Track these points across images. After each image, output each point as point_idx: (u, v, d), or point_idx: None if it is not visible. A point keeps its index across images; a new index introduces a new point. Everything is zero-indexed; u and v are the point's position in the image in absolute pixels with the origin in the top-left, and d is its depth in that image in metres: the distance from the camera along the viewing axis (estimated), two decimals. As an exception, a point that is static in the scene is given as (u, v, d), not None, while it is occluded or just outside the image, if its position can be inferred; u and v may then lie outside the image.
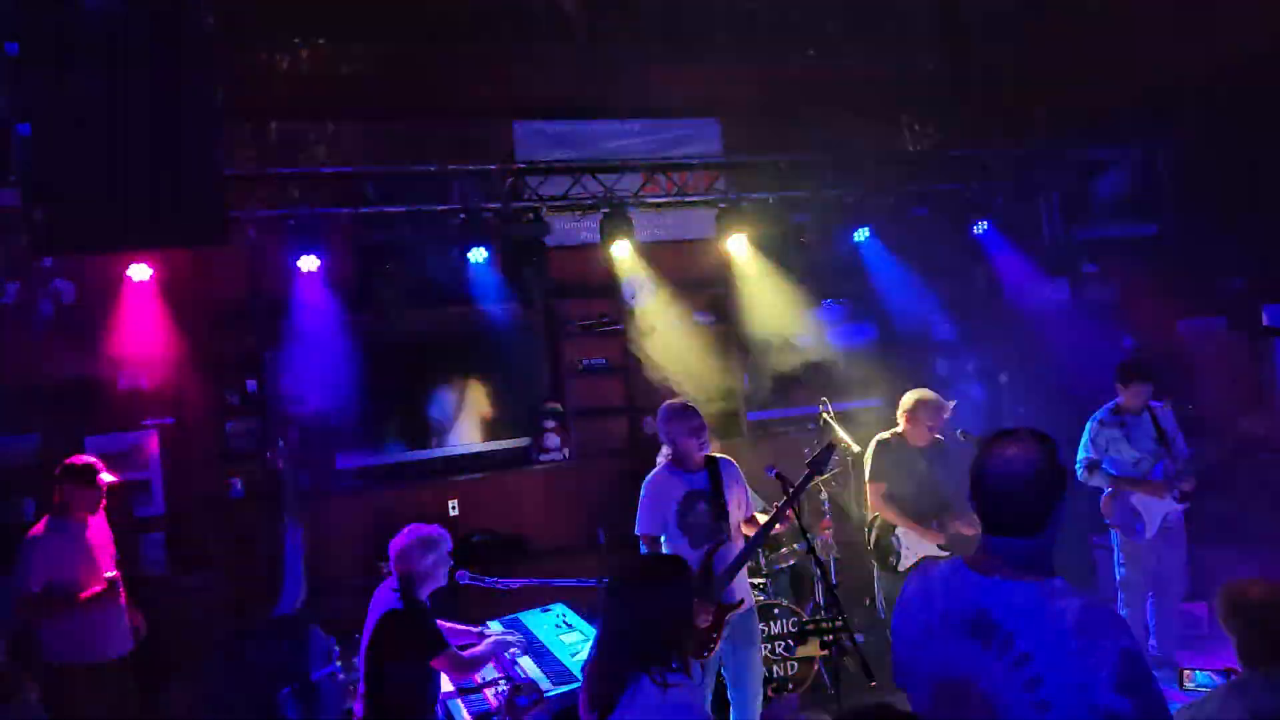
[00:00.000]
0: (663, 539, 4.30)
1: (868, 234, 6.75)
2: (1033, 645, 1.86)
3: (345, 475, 6.40)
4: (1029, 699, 1.84)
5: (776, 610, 5.46)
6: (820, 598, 5.81)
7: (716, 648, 4.15)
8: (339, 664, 1.83)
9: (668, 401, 4.43)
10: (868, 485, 5.05)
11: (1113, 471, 5.39)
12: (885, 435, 5.14)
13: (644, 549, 4.28)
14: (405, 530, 3.74)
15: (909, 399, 5.04)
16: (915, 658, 2.09)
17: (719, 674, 4.32)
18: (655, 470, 4.41)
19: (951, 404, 5.09)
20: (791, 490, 4.12)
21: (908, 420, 5.01)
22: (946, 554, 4.92)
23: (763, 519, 4.29)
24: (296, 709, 1.72)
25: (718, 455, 4.39)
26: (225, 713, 1.72)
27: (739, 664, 4.29)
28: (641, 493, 4.34)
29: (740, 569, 4.23)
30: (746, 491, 4.44)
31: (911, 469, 4.97)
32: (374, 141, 6.17)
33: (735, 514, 4.30)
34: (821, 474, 4.57)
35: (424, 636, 3.56)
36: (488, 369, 6.81)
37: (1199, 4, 5.68)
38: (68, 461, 4.47)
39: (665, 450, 4.44)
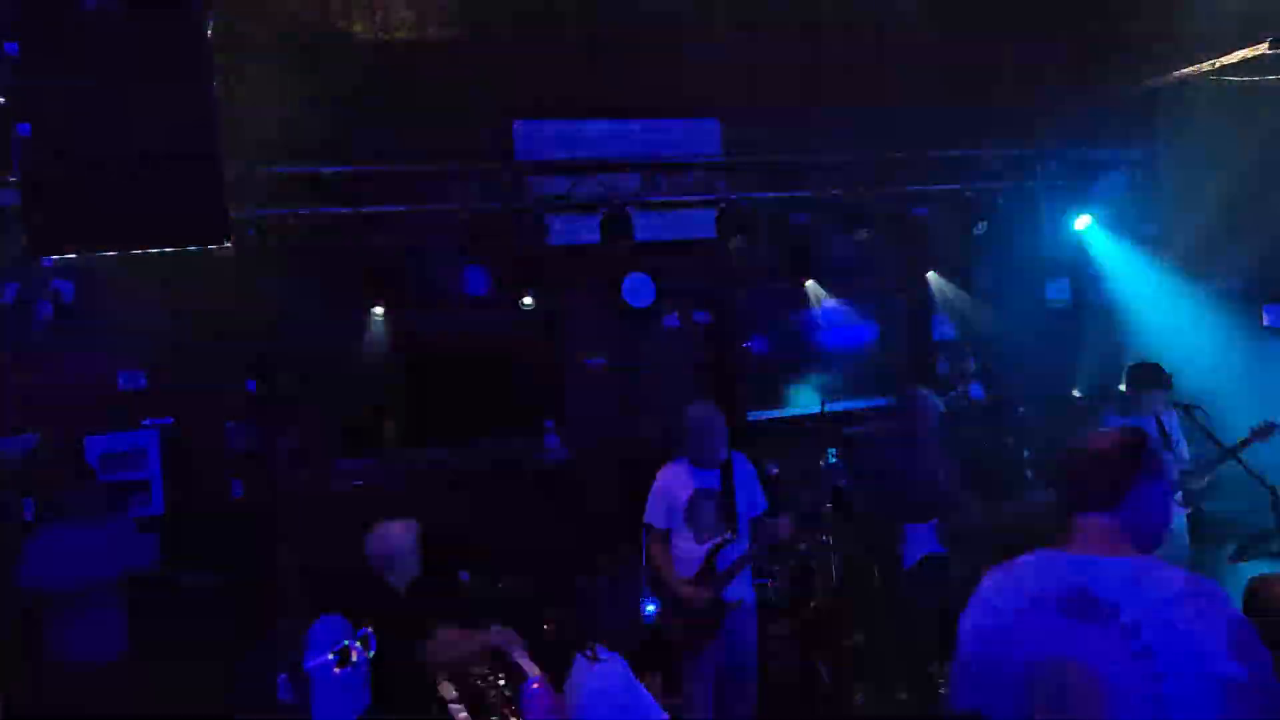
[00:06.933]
0: (670, 530, 4.34)
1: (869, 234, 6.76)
2: (1141, 615, 1.81)
3: (345, 475, 6.39)
4: (1141, 671, 1.78)
5: (776, 610, 5.45)
6: (820, 598, 5.82)
7: (712, 641, 4.19)
8: (333, 655, 1.84)
9: (699, 401, 4.54)
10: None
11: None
12: (882, 435, 5.16)
13: (645, 538, 4.33)
14: (377, 526, 3.90)
15: (902, 399, 5.07)
16: (1000, 650, 2.00)
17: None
18: (670, 462, 4.46)
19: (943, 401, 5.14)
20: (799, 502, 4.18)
21: (903, 420, 5.03)
22: (948, 550, 4.94)
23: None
24: (290, 692, 1.75)
25: (734, 453, 4.42)
26: (241, 700, 1.77)
27: (735, 661, 4.33)
28: (654, 483, 4.43)
29: (743, 568, 4.27)
30: (760, 492, 4.47)
31: (908, 468, 4.98)
32: (374, 141, 6.15)
33: (744, 513, 4.33)
34: (834, 489, 4.65)
35: (404, 624, 3.60)
36: (488, 369, 6.80)
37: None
38: (64, 466, 4.49)
39: (684, 444, 4.47)
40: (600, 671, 2.44)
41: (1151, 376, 5.30)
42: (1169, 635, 1.78)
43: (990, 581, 2.12)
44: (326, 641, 1.89)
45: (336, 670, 1.86)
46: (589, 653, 2.48)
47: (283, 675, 1.83)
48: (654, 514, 4.38)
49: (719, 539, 4.27)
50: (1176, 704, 1.75)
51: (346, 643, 1.89)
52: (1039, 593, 1.97)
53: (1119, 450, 2.00)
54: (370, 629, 1.97)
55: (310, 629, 1.90)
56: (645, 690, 2.48)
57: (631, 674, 2.47)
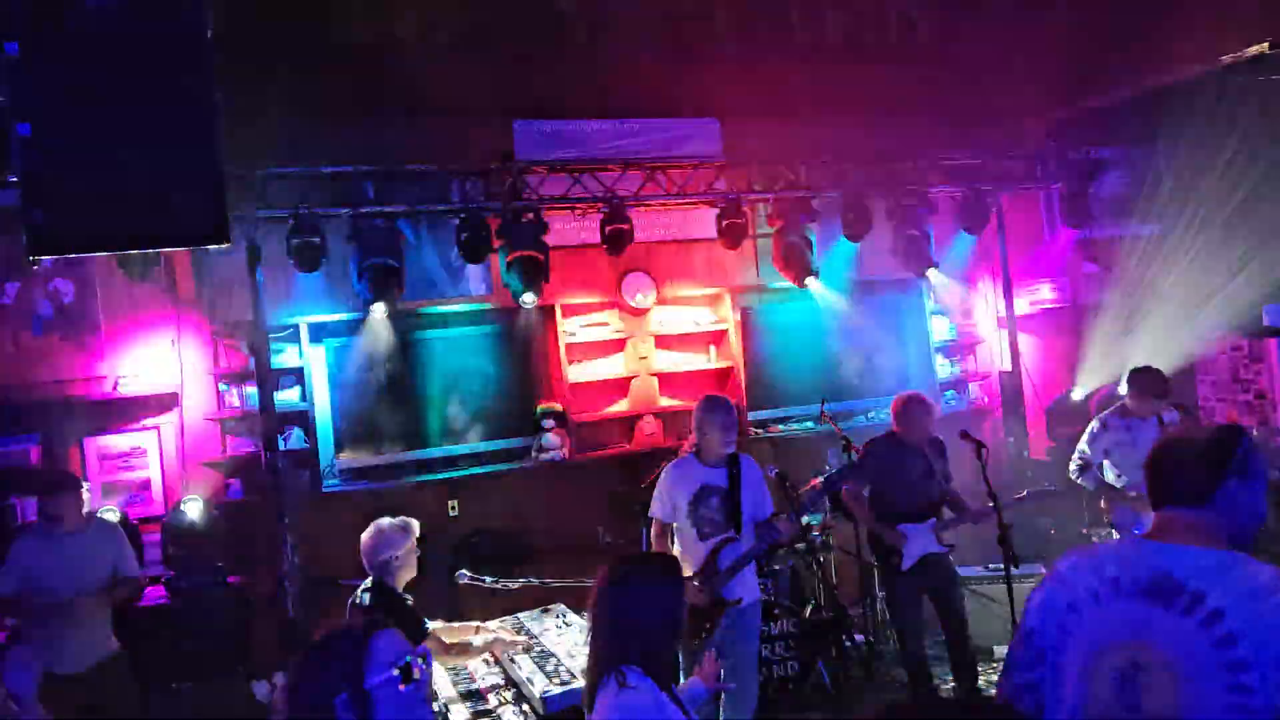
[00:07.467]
0: (675, 525, 4.36)
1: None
2: (1226, 603, 1.78)
3: (345, 475, 6.40)
4: (1221, 658, 1.75)
5: (776, 610, 5.46)
6: (820, 598, 5.82)
7: (711, 638, 4.19)
8: (397, 672, 1.83)
9: (708, 394, 4.56)
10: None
11: (1117, 473, 5.42)
12: (877, 436, 5.18)
13: (646, 533, 4.33)
14: (372, 525, 3.88)
15: (899, 400, 5.07)
16: (1067, 627, 1.98)
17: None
18: (677, 458, 4.52)
19: (939, 406, 5.15)
20: (799, 501, 4.17)
21: (900, 421, 5.03)
22: (946, 549, 4.94)
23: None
24: (350, 716, 1.70)
25: (741, 454, 4.43)
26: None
27: (736, 659, 4.32)
28: (660, 478, 4.46)
29: (744, 567, 4.27)
30: (765, 493, 4.48)
31: (904, 468, 4.99)
32: (374, 141, 6.16)
33: (749, 512, 4.34)
34: (834, 490, 4.65)
35: (401, 624, 3.60)
36: (488, 369, 6.81)
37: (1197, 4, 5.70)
38: (50, 471, 4.45)
39: (691, 439, 4.51)
40: (625, 702, 2.29)
41: (1151, 381, 5.33)
42: (1255, 625, 1.74)
43: (1067, 560, 2.09)
44: (387, 658, 1.85)
45: (402, 688, 1.83)
46: (619, 676, 2.33)
47: (341, 695, 1.77)
48: (658, 508, 4.41)
49: (722, 536, 4.29)
50: (1258, 694, 1.72)
51: (409, 659, 1.86)
52: (1118, 575, 1.94)
53: (1210, 447, 1.99)
54: (427, 648, 1.94)
55: (370, 645, 1.85)
56: (678, 713, 2.39)
57: (664, 700, 2.34)
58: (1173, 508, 1.99)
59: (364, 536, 3.88)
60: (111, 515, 5.42)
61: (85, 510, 4.55)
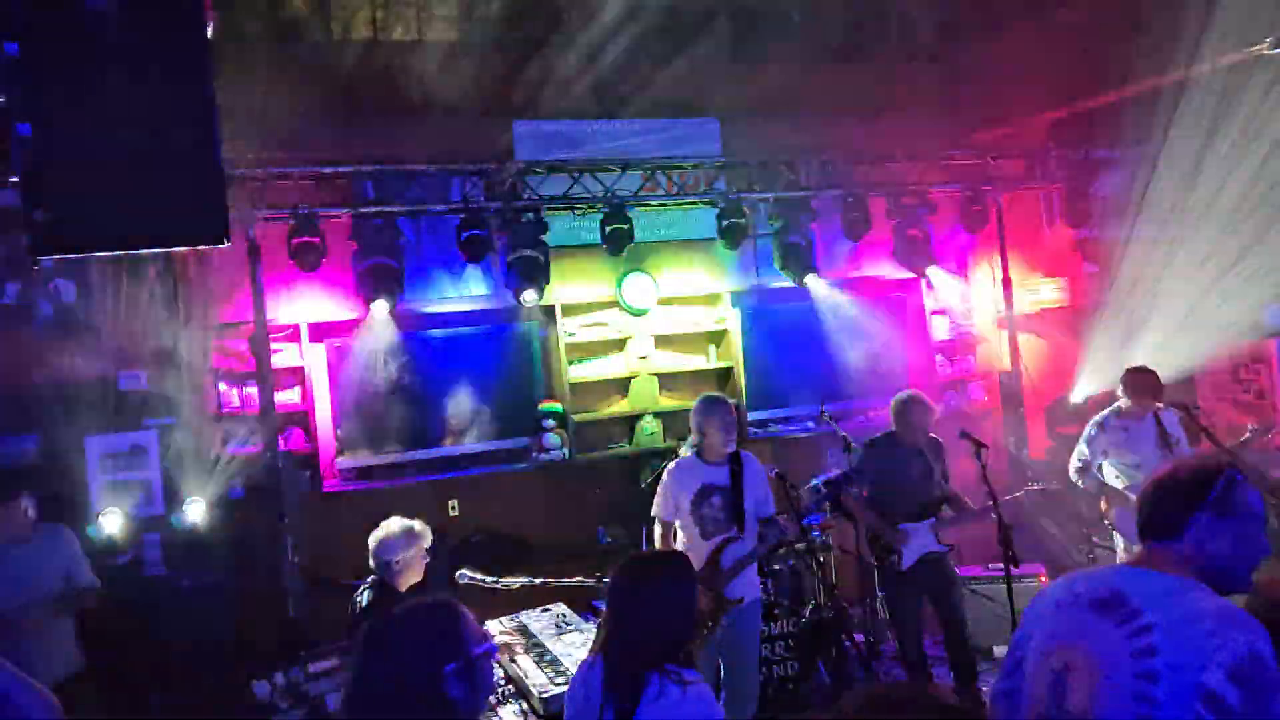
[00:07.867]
0: (678, 524, 4.38)
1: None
2: (1158, 619, 1.83)
3: (345, 475, 6.40)
4: (1137, 667, 1.81)
5: (776, 610, 5.46)
6: (820, 598, 5.82)
7: (711, 637, 4.19)
8: (494, 643, 1.88)
9: (706, 393, 4.57)
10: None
11: (1115, 474, 5.42)
12: (876, 436, 5.18)
13: (647, 531, 4.33)
14: (381, 526, 3.86)
15: (899, 400, 5.07)
16: (1032, 634, 2.09)
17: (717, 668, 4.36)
18: (679, 458, 4.53)
19: (938, 406, 5.16)
20: (800, 504, 4.19)
21: (899, 421, 5.03)
22: (946, 549, 4.95)
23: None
24: (460, 686, 1.73)
25: (743, 453, 4.44)
26: (379, 696, 1.71)
27: (737, 658, 4.34)
28: (663, 477, 4.47)
29: (746, 566, 4.28)
30: (767, 492, 4.48)
31: (903, 469, 4.99)
32: (374, 141, 6.16)
33: (751, 511, 4.34)
34: (835, 497, 4.66)
35: None
36: (488, 369, 6.81)
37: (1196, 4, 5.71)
38: None
39: (692, 439, 4.52)
40: (697, 697, 2.22)
41: (1145, 381, 5.33)
42: (1175, 643, 1.78)
43: (1055, 580, 2.21)
44: (477, 628, 1.88)
45: (498, 655, 1.89)
46: (674, 677, 2.23)
47: (451, 665, 1.78)
48: (661, 507, 4.42)
49: (725, 535, 4.29)
50: (1162, 708, 1.76)
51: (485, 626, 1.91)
52: (1082, 591, 2.03)
53: (1187, 481, 2.00)
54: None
55: (461, 617, 1.89)
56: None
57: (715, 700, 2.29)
58: (1151, 541, 2.03)
59: (372, 535, 3.86)
60: (113, 516, 5.42)
61: (30, 518, 4.33)
